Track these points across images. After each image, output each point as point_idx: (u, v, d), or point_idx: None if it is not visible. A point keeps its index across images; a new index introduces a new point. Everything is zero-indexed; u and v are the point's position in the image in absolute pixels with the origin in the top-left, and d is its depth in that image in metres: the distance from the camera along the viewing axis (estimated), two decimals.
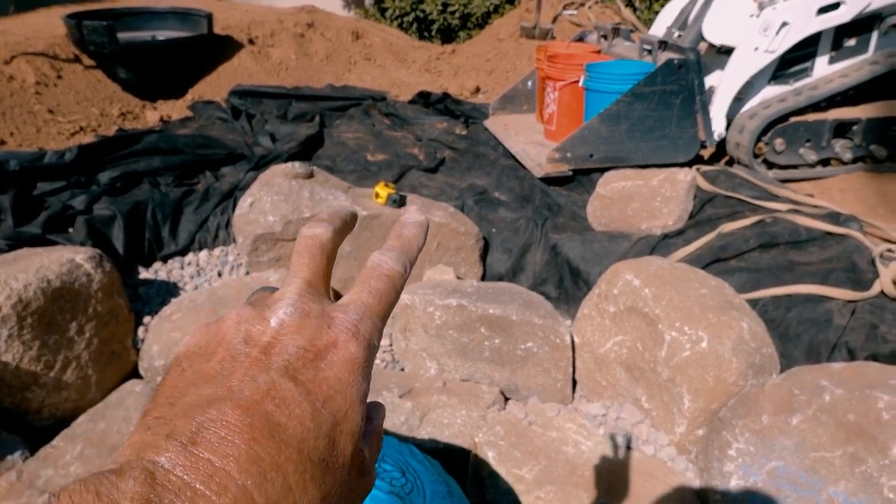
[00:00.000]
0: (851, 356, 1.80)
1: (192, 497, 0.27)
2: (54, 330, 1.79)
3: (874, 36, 3.13)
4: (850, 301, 1.97)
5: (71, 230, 2.43)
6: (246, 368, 0.32)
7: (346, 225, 0.43)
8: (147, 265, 2.55)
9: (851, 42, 3.13)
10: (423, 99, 4.25)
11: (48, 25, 4.46)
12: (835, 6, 2.86)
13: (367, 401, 0.36)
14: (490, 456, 1.60)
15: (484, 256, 2.59)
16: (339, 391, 0.33)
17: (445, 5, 6.77)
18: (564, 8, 5.48)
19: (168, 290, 2.41)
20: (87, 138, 3.47)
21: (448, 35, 7.01)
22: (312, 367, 0.33)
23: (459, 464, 1.69)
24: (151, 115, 4.02)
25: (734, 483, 1.50)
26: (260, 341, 0.34)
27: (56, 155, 2.78)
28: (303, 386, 0.32)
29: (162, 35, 4.73)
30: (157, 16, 4.95)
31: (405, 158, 3.28)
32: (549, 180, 2.90)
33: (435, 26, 6.93)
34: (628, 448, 1.72)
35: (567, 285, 2.43)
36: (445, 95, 4.24)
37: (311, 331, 0.34)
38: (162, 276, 2.50)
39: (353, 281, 2.40)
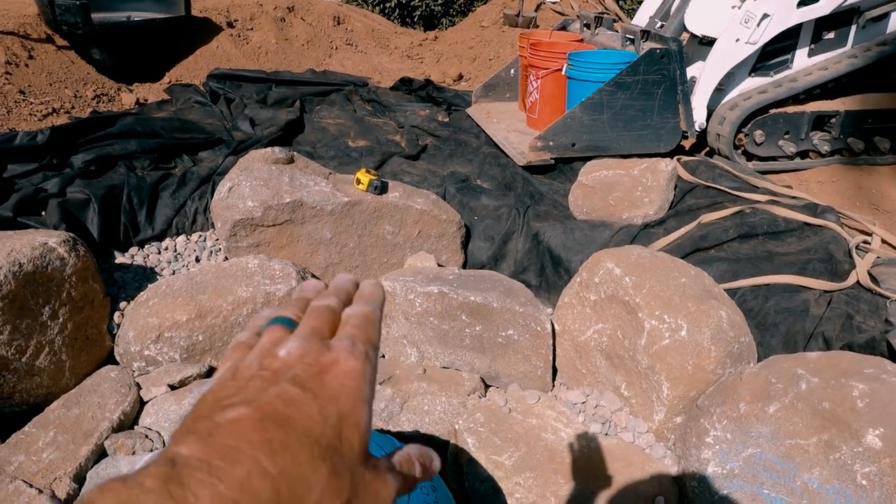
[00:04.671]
0: (827, 345, 1.83)
1: (209, 469, 0.31)
2: (26, 314, 1.74)
3: (853, 29, 3.16)
4: (826, 291, 1.99)
5: (44, 213, 2.37)
6: (259, 384, 0.38)
7: (349, 297, 0.49)
8: (123, 250, 2.50)
9: (830, 35, 3.16)
10: (406, 85, 4.21)
11: (18, 4, 4.34)
12: None
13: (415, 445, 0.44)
14: (470, 443, 1.60)
15: (465, 244, 2.59)
16: (344, 393, 0.38)
17: None
18: None
19: (144, 276, 2.37)
20: (61, 120, 3.38)
21: (430, 21, 6.95)
22: (318, 379, 0.38)
23: (439, 451, 1.68)
24: (127, 98, 3.94)
25: (711, 470, 1.51)
26: (271, 366, 0.40)
27: (28, 136, 2.71)
28: (310, 391, 0.37)
29: (138, 16, 4.62)
30: None
31: (387, 145, 3.26)
32: (532, 168, 2.90)
33: (417, 12, 6.87)
34: (607, 435, 1.73)
35: (548, 273, 2.44)
36: (428, 82, 4.21)
37: (315, 354, 0.40)
38: (138, 260, 2.46)
39: (333, 267, 2.38)
